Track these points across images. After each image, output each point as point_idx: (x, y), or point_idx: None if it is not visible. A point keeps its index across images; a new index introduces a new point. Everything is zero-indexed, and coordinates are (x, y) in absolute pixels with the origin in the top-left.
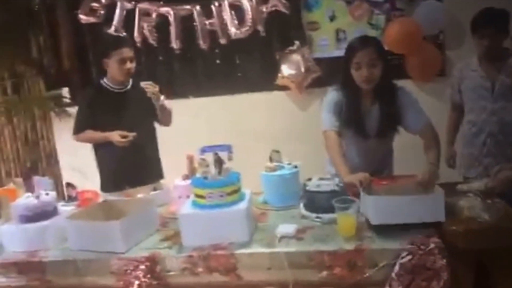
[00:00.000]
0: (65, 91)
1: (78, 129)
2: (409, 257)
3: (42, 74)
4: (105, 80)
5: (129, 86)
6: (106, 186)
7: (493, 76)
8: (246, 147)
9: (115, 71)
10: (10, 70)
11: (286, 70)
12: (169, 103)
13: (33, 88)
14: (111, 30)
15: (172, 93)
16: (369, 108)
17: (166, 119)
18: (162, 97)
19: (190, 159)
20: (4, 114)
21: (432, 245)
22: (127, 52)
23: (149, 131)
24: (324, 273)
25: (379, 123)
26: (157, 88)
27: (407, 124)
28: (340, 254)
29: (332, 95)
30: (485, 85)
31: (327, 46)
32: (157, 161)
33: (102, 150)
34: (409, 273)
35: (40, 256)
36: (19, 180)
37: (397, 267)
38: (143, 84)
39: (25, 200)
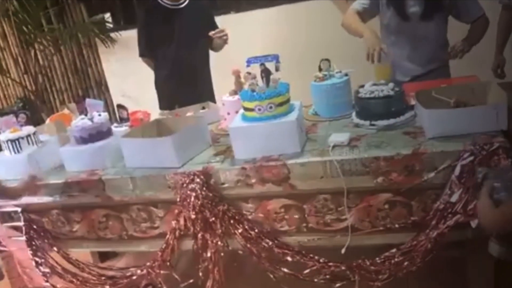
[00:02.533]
0: (107, 16)
1: (142, 50)
2: (471, 157)
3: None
4: None
5: (185, 2)
6: (163, 104)
7: None
8: (295, 58)
9: None
10: None
11: None
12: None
13: (76, 15)
14: None
15: (215, 8)
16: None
17: (218, 48)
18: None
19: (237, 74)
20: (51, 43)
21: (496, 145)
22: None
23: (203, 48)
24: (380, 179)
25: (423, 13)
26: (226, 32)
27: (460, 11)
28: (397, 159)
29: None
30: None
31: None
32: (210, 80)
33: (160, 69)
34: (471, 175)
35: (99, 174)
36: (73, 105)
37: (458, 169)
38: (211, 33)
39: (80, 122)
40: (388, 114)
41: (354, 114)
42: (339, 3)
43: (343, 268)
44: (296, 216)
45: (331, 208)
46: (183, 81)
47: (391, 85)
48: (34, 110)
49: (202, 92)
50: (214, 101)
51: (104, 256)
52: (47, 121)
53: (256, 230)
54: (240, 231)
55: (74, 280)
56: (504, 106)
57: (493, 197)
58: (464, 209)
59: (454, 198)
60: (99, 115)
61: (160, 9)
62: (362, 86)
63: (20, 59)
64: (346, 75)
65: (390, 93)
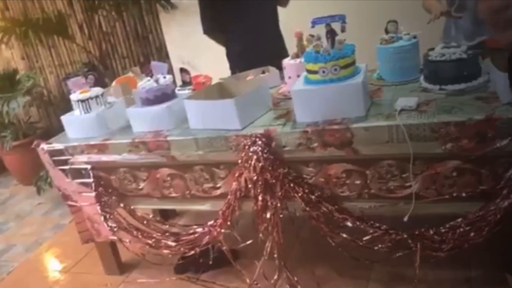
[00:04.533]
0: None
1: (206, 27)
2: None
3: None
4: None
5: None
6: (234, 66)
7: None
8: (362, 19)
9: None
10: None
11: None
12: None
13: None
14: None
15: None
16: None
17: (285, 2)
18: None
19: (299, 36)
20: (114, 9)
21: None
22: None
23: (272, 8)
24: (449, 145)
25: None
26: None
27: None
28: (468, 124)
29: None
30: None
31: None
32: (282, 39)
33: (231, 41)
34: None
35: (164, 135)
36: (136, 68)
37: None
38: None
39: (145, 83)
40: (459, 78)
41: (422, 78)
42: None
43: (405, 236)
44: (358, 182)
45: (395, 175)
46: (257, 45)
47: (463, 47)
48: (98, 75)
49: (276, 52)
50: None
51: (165, 216)
52: (114, 83)
53: (316, 194)
54: (300, 194)
55: (139, 235)
56: None
57: None
58: None
59: None
60: (164, 77)
61: None
62: (432, 49)
63: (84, 25)
64: (415, 37)
65: (462, 56)
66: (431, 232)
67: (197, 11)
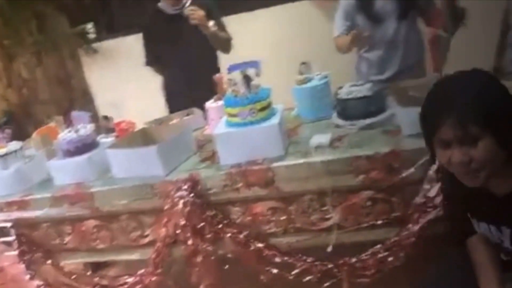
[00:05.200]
0: (89, 27)
1: (148, 59)
2: None
3: (64, 11)
4: (160, 2)
5: (187, 4)
6: (173, 108)
7: None
8: (275, 62)
9: None
10: (32, 11)
11: None
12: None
13: (57, 26)
14: None
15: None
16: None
17: (221, 47)
18: (210, 23)
19: (219, 80)
20: (34, 56)
21: None
22: None
23: (211, 52)
24: (361, 177)
25: (397, 9)
26: (200, 13)
27: (427, 12)
28: (376, 157)
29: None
30: None
31: None
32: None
33: (168, 75)
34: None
35: (87, 186)
36: (59, 117)
37: (435, 164)
38: (186, 10)
39: (66, 135)
40: (366, 114)
41: (335, 115)
42: (319, 4)
43: (330, 266)
44: (283, 218)
45: (316, 208)
46: (192, 84)
47: (368, 85)
48: (19, 124)
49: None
50: None
51: (96, 267)
52: (33, 135)
53: (245, 234)
54: (228, 235)
55: None
56: None
57: None
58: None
59: (432, 193)
60: (85, 127)
61: (162, 16)
62: (341, 88)
63: (3, 73)
64: (326, 77)
65: (368, 94)
66: (354, 260)
67: (119, 54)
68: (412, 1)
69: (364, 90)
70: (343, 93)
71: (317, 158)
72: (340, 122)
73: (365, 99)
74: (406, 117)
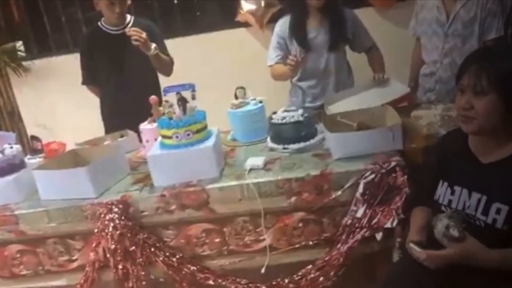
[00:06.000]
0: (19, 44)
1: (85, 78)
2: (372, 176)
3: None
4: (102, 21)
5: (130, 25)
6: (110, 129)
7: (450, 7)
8: (211, 86)
9: (105, 12)
10: None
11: (246, 5)
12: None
13: None
14: None
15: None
16: (317, 28)
17: (162, 69)
18: (153, 46)
19: (154, 102)
20: None
21: (393, 163)
22: None
23: (151, 71)
24: (293, 199)
25: (328, 43)
26: (143, 35)
27: (355, 44)
28: (307, 180)
29: (277, 26)
30: (440, 18)
31: None
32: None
33: (105, 96)
34: (372, 191)
35: (12, 209)
36: None
37: (361, 187)
38: (127, 30)
39: None
40: (298, 138)
41: (268, 138)
42: (254, 31)
43: None
44: (217, 240)
45: (250, 230)
46: (131, 105)
47: (300, 111)
48: None
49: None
50: None
51: None
52: None
53: (178, 257)
54: (161, 258)
55: None
56: (398, 128)
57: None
58: (369, 223)
59: (359, 214)
60: (11, 147)
61: (101, 35)
62: (275, 113)
63: None
64: (261, 102)
65: (300, 119)
66: (287, 280)
67: (50, 73)
68: (342, 33)
69: (296, 115)
70: (277, 118)
71: (250, 180)
72: (274, 145)
73: (297, 124)
74: (335, 142)
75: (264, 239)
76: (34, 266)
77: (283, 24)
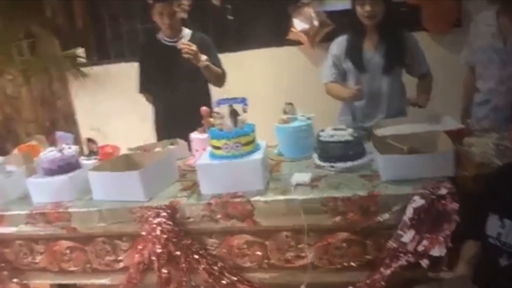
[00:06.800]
0: (80, 51)
1: (141, 86)
2: (421, 201)
3: (57, 34)
4: (159, 33)
5: (184, 39)
6: (162, 137)
7: (507, 33)
8: (260, 100)
9: (159, 23)
10: (25, 31)
11: (298, 24)
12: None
13: (48, 48)
14: None
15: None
16: (373, 50)
17: (214, 81)
18: (203, 58)
19: (206, 113)
20: (21, 74)
21: (444, 190)
22: (162, 7)
23: (203, 83)
24: (338, 218)
25: (383, 66)
26: (193, 48)
27: (411, 68)
28: (353, 200)
29: (333, 46)
30: (496, 45)
31: None
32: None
33: (158, 105)
34: (420, 217)
35: (66, 206)
36: (41, 136)
37: (409, 211)
38: (179, 43)
39: (48, 153)
40: (346, 157)
41: (315, 155)
42: (306, 49)
43: None
44: (259, 253)
45: (292, 245)
46: (182, 115)
47: (350, 130)
48: None
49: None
50: None
51: None
52: (15, 151)
53: (219, 265)
54: (203, 266)
55: None
56: (451, 155)
57: None
58: (416, 249)
59: (405, 239)
60: (69, 147)
61: (158, 46)
62: (323, 130)
63: None
64: (309, 119)
65: (349, 138)
66: None
67: (107, 80)
68: (399, 57)
69: (345, 134)
70: (325, 136)
71: (296, 195)
72: (320, 163)
73: (346, 143)
74: (385, 164)
75: (305, 256)
76: (82, 263)
77: (339, 44)
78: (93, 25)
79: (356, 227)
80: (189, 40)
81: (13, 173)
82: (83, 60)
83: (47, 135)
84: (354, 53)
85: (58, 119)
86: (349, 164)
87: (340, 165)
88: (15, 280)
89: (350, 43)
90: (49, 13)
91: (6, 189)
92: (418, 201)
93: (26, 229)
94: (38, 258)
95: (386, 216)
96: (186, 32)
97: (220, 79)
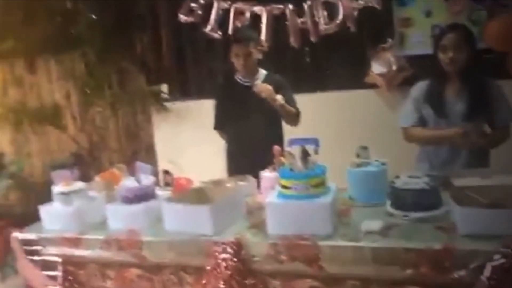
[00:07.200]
0: (164, 87)
1: (216, 123)
2: (503, 260)
3: (144, 70)
4: (237, 73)
5: (259, 80)
6: (232, 173)
7: None
8: (333, 142)
9: (236, 64)
10: (116, 66)
11: (376, 68)
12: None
13: (135, 83)
14: (208, 29)
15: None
16: (454, 96)
17: (288, 120)
18: (278, 97)
19: (278, 152)
20: (109, 107)
21: None
22: (238, 48)
23: (277, 124)
24: (409, 271)
25: (465, 113)
26: (269, 88)
27: (493, 118)
28: (427, 252)
29: (414, 90)
30: None
31: (421, 43)
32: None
33: (231, 142)
34: (500, 277)
35: (138, 234)
36: (122, 165)
37: (488, 270)
38: (255, 87)
39: (127, 182)
40: (421, 207)
41: (388, 202)
42: (382, 93)
43: None
44: None
45: None
46: (254, 153)
47: (426, 178)
48: (84, 166)
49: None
50: None
51: None
52: (97, 178)
53: None
54: None
55: None
56: None
57: None
58: None
59: None
60: (147, 178)
61: (234, 85)
62: (398, 177)
63: (78, 117)
64: (383, 164)
65: (424, 187)
66: None
67: (187, 115)
68: (482, 106)
69: (421, 182)
70: (400, 183)
71: (366, 243)
72: (393, 211)
73: (421, 192)
74: (463, 217)
75: None
76: None
77: (419, 88)
78: (177, 63)
79: (429, 282)
80: (264, 81)
81: (94, 198)
82: (166, 96)
83: (128, 164)
84: (434, 98)
85: (139, 150)
86: (423, 214)
87: (414, 214)
88: None
89: (431, 88)
90: (139, 50)
91: (87, 214)
92: (498, 260)
93: (100, 253)
94: (109, 283)
95: (462, 273)
96: (262, 73)
97: (294, 119)
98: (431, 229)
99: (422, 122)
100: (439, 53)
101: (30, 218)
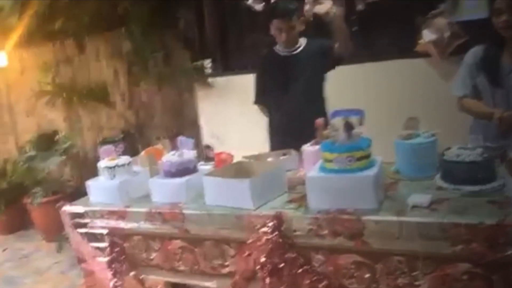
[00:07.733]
0: (207, 62)
1: (256, 97)
2: None
3: (188, 46)
4: (277, 45)
5: (300, 49)
6: (275, 147)
7: None
8: (380, 114)
9: (277, 38)
10: (160, 43)
11: (427, 35)
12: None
13: (179, 60)
14: (249, 1)
15: None
16: (510, 65)
17: (342, 44)
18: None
19: (320, 125)
20: (156, 83)
21: None
22: (280, 22)
23: (318, 97)
24: (459, 247)
25: None
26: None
27: None
28: (479, 228)
29: (469, 55)
30: None
31: (476, 7)
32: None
33: (273, 116)
34: None
35: (180, 207)
36: (166, 141)
37: None
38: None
39: (170, 157)
40: (474, 180)
41: (438, 176)
42: (434, 62)
43: None
44: (367, 276)
45: (404, 272)
46: (296, 126)
47: (479, 150)
48: (132, 142)
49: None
50: None
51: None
52: (141, 153)
53: (324, 284)
54: (307, 282)
55: None
56: None
57: None
58: None
59: None
60: (188, 152)
61: (274, 58)
62: (449, 149)
63: (126, 95)
64: (433, 135)
65: (477, 159)
66: None
67: (230, 90)
68: None
69: (474, 154)
70: (451, 155)
71: (412, 218)
72: (443, 184)
73: (475, 164)
74: None
75: (419, 285)
76: (191, 264)
77: (474, 54)
78: (220, 38)
79: (481, 259)
80: (306, 46)
81: (138, 173)
82: (209, 71)
83: (172, 139)
84: (489, 66)
85: (184, 126)
86: (476, 187)
87: (467, 188)
88: (132, 273)
89: (486, 54)
90: (182, 27)
91: (132, 188)
92: None
93: (145, 226)
94: (153, 255)
95: None
96: (302, 40)
97: (348, 41)
98: (485, 203)
99: (476, 92)
100: (493, 17)
101: (82, 193)
